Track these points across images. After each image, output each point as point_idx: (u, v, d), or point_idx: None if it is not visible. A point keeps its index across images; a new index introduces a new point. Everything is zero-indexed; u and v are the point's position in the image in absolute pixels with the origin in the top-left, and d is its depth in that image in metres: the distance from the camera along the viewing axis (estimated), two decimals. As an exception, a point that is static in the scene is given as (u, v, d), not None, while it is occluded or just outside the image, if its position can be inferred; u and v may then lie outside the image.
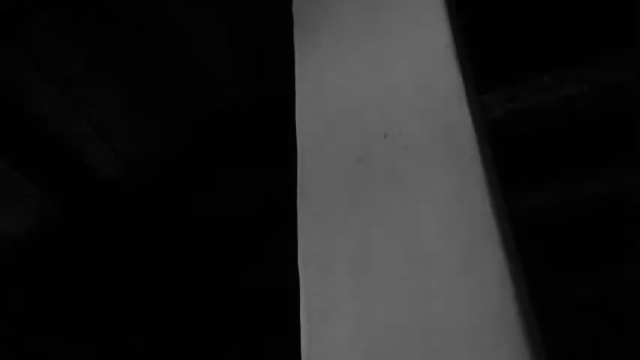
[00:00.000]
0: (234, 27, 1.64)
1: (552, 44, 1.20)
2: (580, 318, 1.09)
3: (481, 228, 0.78)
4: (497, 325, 0.71)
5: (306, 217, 0.88)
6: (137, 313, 1.78)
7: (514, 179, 0.91)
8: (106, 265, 1.78)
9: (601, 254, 1.16)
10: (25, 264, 1.76)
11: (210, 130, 1.74)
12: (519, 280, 0.77)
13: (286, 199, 0.94)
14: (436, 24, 0.97)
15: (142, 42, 1.62)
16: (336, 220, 0.86)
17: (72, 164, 1.73)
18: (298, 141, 0.96)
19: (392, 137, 0.90)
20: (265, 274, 1.65)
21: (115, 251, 1.78)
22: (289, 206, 0.92)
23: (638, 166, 1.09)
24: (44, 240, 1.74)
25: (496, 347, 0.70)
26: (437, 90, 0.92)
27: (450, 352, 0.72)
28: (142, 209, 1.79)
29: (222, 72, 1.71)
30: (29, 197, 1.70)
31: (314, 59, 1.04)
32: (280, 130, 1.07)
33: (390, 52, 0.99)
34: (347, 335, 0.77)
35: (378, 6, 1.06)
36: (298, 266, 0.85)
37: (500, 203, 0.82)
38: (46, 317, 1.79)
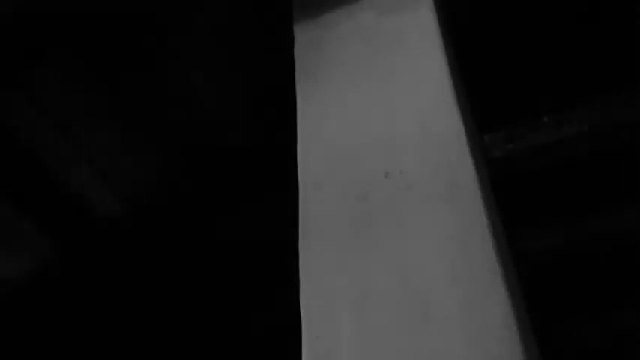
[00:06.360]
0: (239, 73, 1.66)
1: (552, 86, 1.22)
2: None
3: (483, 267, 0.77)
4: (501, 365, 0.71)
5: (308, 256, 0.88)
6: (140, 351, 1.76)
7: (515, 218, 0.91)
8: (106, 306, 1.77)
9: (603, 296, 1.15)
10: (27, 309, 1.75)
11: (214, 172, 1.75)
12: (523, 320, 0.76)
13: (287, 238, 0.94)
14: (436, 65, 0.98)
15: (145, 85, 1.64)
16: (337, 258, 0.86)
17: (73, 206, 1.73)
18: (300, 179, 0.96)
19: (393, 176, 0.90)
20: (273, 312, 1.64)
21: (117, 291, 1.77)
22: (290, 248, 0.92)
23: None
24: (46, 284, 1.73)
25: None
26: (437, 130, 0.92)
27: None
28: (145, 250, 1.78)
29: (226, 114, 1.72)
30: (30, 242, 1.70)
31: (315, 99, 1.05)
32: (282, 169, 1.07)
33: (391, 93, 1.00)
34: (350, 377, 0.76)
35: (378, 48, 1.07)
36: (300, 309, 0.84)
37: (502, 242, 0.82)
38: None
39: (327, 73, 1.08)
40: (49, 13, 1.41)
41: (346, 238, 0.87)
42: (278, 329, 1.22)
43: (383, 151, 0.94)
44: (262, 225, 1.69)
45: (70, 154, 1.67)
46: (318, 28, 1.17)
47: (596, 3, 1.24)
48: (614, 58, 1.19)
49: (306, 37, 1.17)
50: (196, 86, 1.64)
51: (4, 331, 1.72)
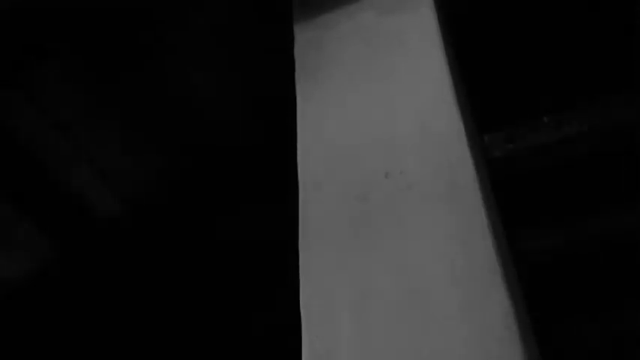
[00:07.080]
0: (240, 75, 1.66)
1: (552, 86, 1.22)
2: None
3: (483, 267, 0.77)
4: (501, 365, 0.70)
5: (308, 256, 0.88)
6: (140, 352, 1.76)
7: (515, 218, 0.91)
8: (106, 306, 1.77)
9: (603, 295, 1.15)
10: (27, 309, 1.74)
11: (213, 172, 1.75)
12: (523, 320, 0.76)
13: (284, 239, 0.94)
14: (436, 65, 0.99)
15: (145, 86, 1.64)
16: (337, 258, 0.86)
17: (73, 206, 1.73)
18: (300, 179, 0.97)
19: (393, 176, 0.90)
20: (273, 312, 1.64)
21: (117, 291, 1.77)
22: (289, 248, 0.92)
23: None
24: (46, 284, 1.72)
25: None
26: (438, 130, 0.92)
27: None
28: (145, 250, 1.78)
29: (226, 114, 1.72)
30: (30, 242, 1.69)
31: (315, 99, 1.05)
32: (282, 170, 1.07)
33: (391, 93, 1.00)
34: (350, 378, 0.76)
35: (378, 48, 1.07)
36: (300, 309, 0.84)
37: (502, 242, 0.82)
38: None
39: (327, 73, 1.08)
40: (48, 10, 1.41)
41: (346, 238, 0.87)
42: (278, 329, 1.22)
43: (383, 151, 0.94)
44: (262, 225, 1.69)
45: (70, 154, 1.66)
46: (318, 28, 1.17)
47: (596, 3, 1.24)
48: (614, 58, 1.19)
49: (306, 37, 1.17)
50: (196, 86, 1.64)
51: (4, 331, 1.72)
